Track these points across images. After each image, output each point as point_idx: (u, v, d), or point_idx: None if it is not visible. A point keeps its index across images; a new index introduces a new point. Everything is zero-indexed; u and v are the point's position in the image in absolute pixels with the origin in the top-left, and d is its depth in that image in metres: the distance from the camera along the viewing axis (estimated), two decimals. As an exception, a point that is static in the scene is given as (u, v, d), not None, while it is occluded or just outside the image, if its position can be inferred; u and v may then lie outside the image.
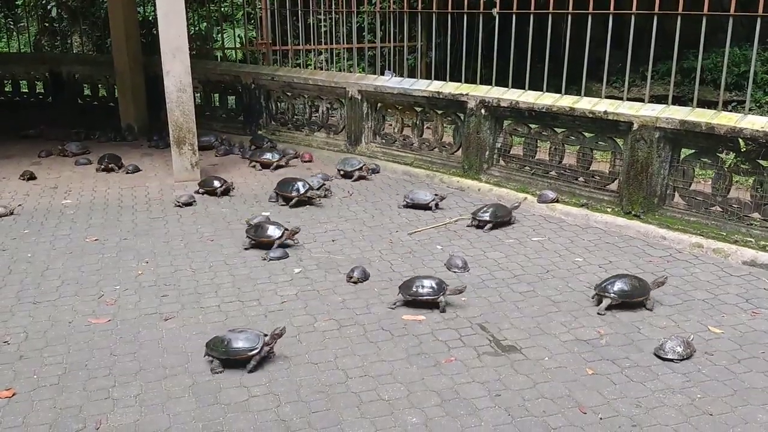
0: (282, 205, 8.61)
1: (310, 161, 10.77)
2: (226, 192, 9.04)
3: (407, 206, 8.43)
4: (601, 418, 4.31)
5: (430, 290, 5.69)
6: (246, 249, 6.00)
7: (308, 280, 6.41)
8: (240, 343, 4.86)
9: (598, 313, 5.61)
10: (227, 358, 4.88)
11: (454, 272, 6.47)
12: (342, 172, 9.75)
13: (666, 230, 7.19)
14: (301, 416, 4.34)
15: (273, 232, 7.03)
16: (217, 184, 8.98)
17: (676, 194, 7.38)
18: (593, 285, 5.98)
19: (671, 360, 4.88)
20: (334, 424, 4.24)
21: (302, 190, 8.48)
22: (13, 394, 4.59)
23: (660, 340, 5.07)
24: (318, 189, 8.66)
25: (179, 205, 8.52)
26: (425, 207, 8.35)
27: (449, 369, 4.86)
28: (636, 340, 5.25)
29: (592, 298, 5.85)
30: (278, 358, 5.01)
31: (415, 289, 5.74)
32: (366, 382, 4.72)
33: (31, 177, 9.84)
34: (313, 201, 8.58)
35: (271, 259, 6.85)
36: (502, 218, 7.66)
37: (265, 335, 4.91)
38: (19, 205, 8.70)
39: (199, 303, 5.95)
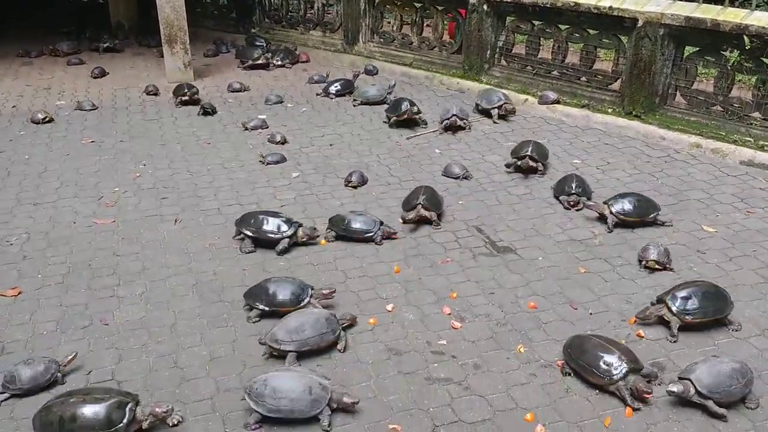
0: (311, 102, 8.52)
1: (306, 62, 10.53)
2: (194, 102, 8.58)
3: (362, 103, 8.50)
4: (591, 314, 4.46)
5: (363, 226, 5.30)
6: (248, 252, 5.22)
7: (306, 185, 6.43)
8: (270, 226, 5.14)
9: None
10: (258, 237, 5.16)
11: (454, 179, 6.39)
12: (479, 108, 8.06)
13: (665, 130, 7.15)
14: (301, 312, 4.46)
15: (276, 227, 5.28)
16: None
17: (678, 94, 7.28)
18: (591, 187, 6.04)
19: (648, 269, 4.93)
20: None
21: (406, 108, 7.64)
22: (19, 293, 4.71)
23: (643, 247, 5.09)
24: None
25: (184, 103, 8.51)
26: (380, 102, 8.43)
27: (445, 269, 4.97)
28: (629, 239, 5.33)
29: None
30: (278, 259, 5.11)
31: (347, 225, 5.32)
32: (364, 282, 4.83)
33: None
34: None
35: (269, 163, 6.83)
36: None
37: (296, 223, 5.23)
38: (14, 106, 8.59)
39: (199, 206, 6.00)
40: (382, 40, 10.13)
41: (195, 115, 8.25)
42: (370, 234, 5.26)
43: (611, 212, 5.41)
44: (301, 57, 10.57)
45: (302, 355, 4.00)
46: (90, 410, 3.31)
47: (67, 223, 5.70)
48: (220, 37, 11.73)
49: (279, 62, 10.25)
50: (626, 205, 5.43)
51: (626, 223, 5.44)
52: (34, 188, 6.34)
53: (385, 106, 8.27)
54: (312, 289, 4.46)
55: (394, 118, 7.71)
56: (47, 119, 7.92)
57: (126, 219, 5.76)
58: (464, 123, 7.56)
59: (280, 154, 6.97)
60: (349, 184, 6.33)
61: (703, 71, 7.40)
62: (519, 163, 6.44)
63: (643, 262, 4.92)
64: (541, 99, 8.11)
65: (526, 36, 8.52)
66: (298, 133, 7.66)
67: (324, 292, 4.46)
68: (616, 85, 7.74)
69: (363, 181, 6.39)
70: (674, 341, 4.13)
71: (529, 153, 6.38)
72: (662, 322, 4.27)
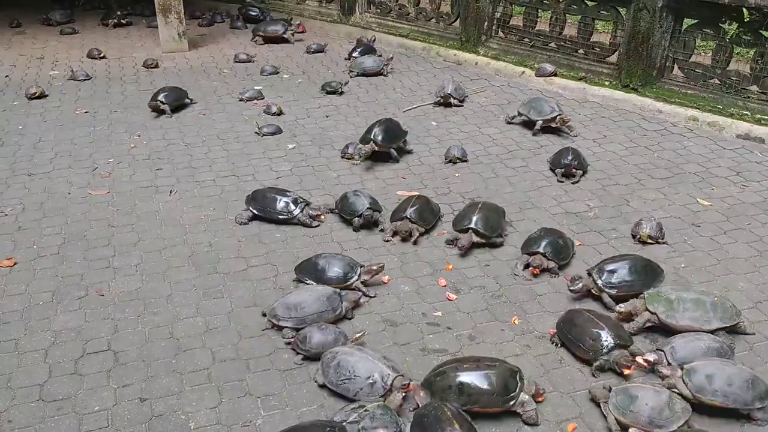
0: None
1: (302, 32, 10.42)
2: None
3: (358, 75, 8.43)
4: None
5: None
6: (242, 223, 5.21)
7: (302, 156, 6.40)
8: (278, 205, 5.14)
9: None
10: (265, 216, 5.13)
11: (455, 163, 6.16)
12: (525, 119, 6.90)
13: (662, 103, 7.12)
14: (298, 285, 4.48)
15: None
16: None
17: (675, 66, 7.24)
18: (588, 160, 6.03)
19: (642, 242, 4.93)
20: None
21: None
22: (15, 264, 4.71)
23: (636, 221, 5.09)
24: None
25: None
26: (376, 74, 8.39)
27: (441, 242, 4.97)
28: (624, 212, 5.34)
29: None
30: (274, 230, 5.11)
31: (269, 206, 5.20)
32: (361, 253, 4.83)
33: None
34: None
35: (264, 135, 6.80)
36: None
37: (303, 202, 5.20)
38: (6, 76, 8.50)
39: (194, 177, 5.97)
40: (378, 10, 10.02)
41: (189, 86, 8.17)
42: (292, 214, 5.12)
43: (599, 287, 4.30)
44: (298, 27, 10.46)
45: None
46: (488, 378, 3.37)
47: (62, 193, 5.68)
48: (214, 6, 11.58)
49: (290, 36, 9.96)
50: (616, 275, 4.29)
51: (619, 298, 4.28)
52: (29, 159, 6.30)
53: (382, 78, 8.25)
54: (361, 267, 4.40)
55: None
56: (37, 95, 7.72)
57: (121, 190, 5.74)
58: (459, 102, 7.49)
59: (276, 126, 6.93)
60: (345, 156, 6.31)
61: (702, 44, 7.35)
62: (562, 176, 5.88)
63: (637, 237, 4.94)
64: (538, 71, 8.06)
65: (523, 8, 8.43)
66: (294, 104, 7.60)
67: (373, 268, 4.39)
68: (613, 58, 7.68)
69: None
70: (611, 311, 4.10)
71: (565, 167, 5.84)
72: (592, 295, 4.26)
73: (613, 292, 4.19)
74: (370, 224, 5.11)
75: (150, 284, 4.51)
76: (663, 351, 3.66)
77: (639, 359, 3.59)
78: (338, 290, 4.16)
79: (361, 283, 4.36)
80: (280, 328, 4.01)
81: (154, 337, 4.01)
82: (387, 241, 4.98)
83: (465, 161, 6.21)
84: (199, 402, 3.53)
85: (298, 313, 3.98)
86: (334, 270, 4.37)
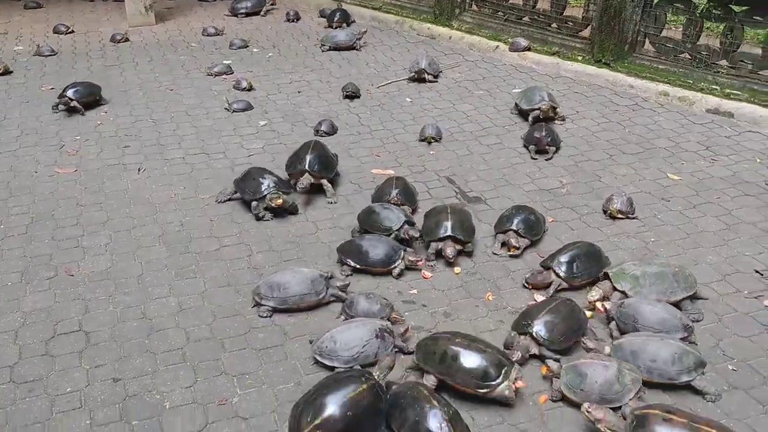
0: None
1: (273, 5, 10.21)
2: None
3: (330, 49, 8.35)
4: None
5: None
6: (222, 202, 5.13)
7: (274, 133, 6.32)
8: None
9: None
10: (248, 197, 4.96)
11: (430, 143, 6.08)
12: (519, 108, 6.62)
13: (634, 78, 7.16)
14: (272, 264, 4.46)
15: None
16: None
17: (647, 41, 7.28)
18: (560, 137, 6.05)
19: (612, 217, 4.98)
20: (307, 265, 4.34)
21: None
22: (-19, 245, 4.61)
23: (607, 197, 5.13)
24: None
25: None
26: (348, 48, 8.33)
27: (417, 220, 4.92)
28: (596, 188, 5.39)
29: None
30: (246, 210, 5.03)
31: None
32: (336, 232, 4.81)
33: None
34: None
35: (234, 111, 6.69)
36: None
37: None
38: (-34, 52, 8.24)
39: (163, 155, 5.87)
40: (350, -17, 9.87)
41: (156, 60, 8.00)
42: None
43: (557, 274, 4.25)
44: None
45: (286, 312, 3.99)
46: (473, 357, 3.34)
47: (29, 172, 5.54)
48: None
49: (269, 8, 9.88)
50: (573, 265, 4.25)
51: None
52: (-8, 136, 6.14)
53: (355, 52, 8.18)
54: (405, 251, 4.36)
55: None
56: (1, 71, 7.48)
57: (88, 168, 5.62)
58: (433, 77, 7.43)
59: (246, 102, 6.82)
60: (318, 134, 6.24)
61: (672, 18, 7.38)
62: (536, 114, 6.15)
63: (607, 212, 4.99)
64: (512, 46, 8.03)
65: (497, -19, 8.38)
66: (264, 79, 7.49)
67: (416, 257, 4.36)
68: (586, 32, 7.69)
69: (333, 130, 6.30)
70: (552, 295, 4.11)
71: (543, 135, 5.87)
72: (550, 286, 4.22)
73: (577, 281, 4.19)
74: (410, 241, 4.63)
75: (120, 264, 4.44)
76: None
77: (599, 304, 3.74)
78: (325, 274, 4.10)
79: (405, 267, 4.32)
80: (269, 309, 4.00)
81: (126, 317, 3.96)
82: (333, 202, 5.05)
83: (439, 141, 6.15)
84: (174, 381, 3.50)
85: (281, 294, 3.96)
86: (378, 252, 4.29)
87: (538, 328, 3.61)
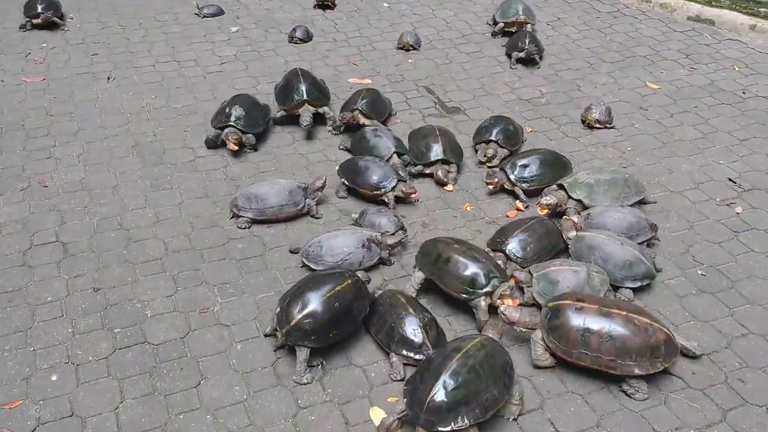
0: None
1: None
2: None
3: None
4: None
5: None
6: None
7: (247, 40, 6.12)
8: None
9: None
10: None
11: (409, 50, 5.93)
12: (495, 20, 6.33)
13: (617, -15, 7.00)
14: (249, 175, 4.42)
15: None
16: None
17: (632, -55, 7.07)
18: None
19: (590, 127, 4.97)
20: (284, 177, 4.31)
21: None
22: (-51, 156, 4.49)
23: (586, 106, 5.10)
24: None
25: None
26: None
27: (396, 131, 4.85)
28: (575, 97, 5.35)
29: None
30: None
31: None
32: (313, 144, 4.76)
33: None
34: None
35: (205, 16, 6.44)
36: None
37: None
38: None
39: (132, 62, 5.68)
40: None
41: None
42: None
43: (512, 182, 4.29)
44: None
45: (264, 223, 3.98)
46: (464, 263, 3.37)
47: (-8, 81, 5.36)
48: None
49: None
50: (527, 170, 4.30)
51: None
52: (-49, 44, 5.87)
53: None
54: (400, 180, 4.19)
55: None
56: None
57: (56, 77, 5.43)
58: None
59: (217, 6, 6.56)
60: (293, 40, 6.06)
61: None
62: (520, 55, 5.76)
63: (586, 122, 4.98)
64: (492, -51, 7.73)
65: None
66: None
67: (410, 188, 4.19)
68: (569, -65, 7.42)
69: (308, 37, 6.12)
70: (526, 207, 4.17)
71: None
72: (506, 190, 4.30)
73: (525, 186, 4.22)
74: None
75: (94, 175, 4.37)
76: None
77: (516, 273, 3.55)
78: (303, 185, 4.06)
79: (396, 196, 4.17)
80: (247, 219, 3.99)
81: (103, 228, 3.94)
82: (335, 134, 4.86)
83: (417, 49, 6.01)
84: (155, 291, 3.53)
85: (259, 205, 3.95)
86: (370, 176, 4.16)
87: (513, 246, 3.65)
